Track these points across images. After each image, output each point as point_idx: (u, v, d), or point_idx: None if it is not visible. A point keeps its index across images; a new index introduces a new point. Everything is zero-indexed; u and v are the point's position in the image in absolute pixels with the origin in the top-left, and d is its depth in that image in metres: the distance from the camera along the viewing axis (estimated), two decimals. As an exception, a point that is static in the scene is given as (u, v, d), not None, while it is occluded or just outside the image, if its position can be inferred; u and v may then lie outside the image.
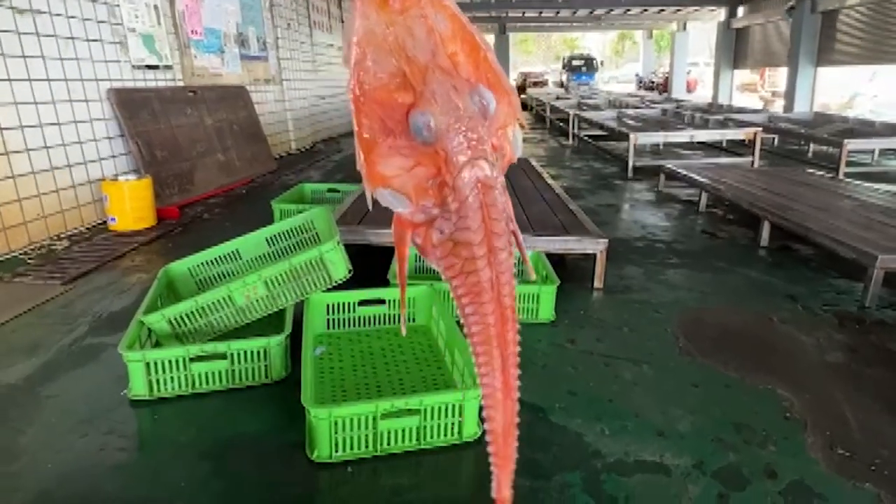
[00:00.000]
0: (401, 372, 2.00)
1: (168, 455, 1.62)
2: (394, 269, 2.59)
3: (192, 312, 2.02)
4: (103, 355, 2.18)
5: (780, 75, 15.58)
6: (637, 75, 27.76)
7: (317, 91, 8.94)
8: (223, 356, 1.88)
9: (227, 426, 1.74)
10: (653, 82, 24.06)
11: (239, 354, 1.89)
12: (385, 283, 2.47)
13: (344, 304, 2.25)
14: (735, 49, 14.92)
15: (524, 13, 16.85)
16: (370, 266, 2.61)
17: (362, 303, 2.26)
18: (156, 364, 1.84)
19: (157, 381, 1.86)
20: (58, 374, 2.05)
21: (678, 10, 16.33)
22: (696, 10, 16.50)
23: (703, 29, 21.40)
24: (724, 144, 7.51)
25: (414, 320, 2.30)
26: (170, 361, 1.85)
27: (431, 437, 1.63)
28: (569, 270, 2.98)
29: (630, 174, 5.93)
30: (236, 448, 1.64)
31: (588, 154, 7.69)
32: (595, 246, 2.75)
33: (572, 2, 15.31)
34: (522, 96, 16.40)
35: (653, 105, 10.54)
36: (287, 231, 2.65)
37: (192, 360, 1.85)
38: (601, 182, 5.69)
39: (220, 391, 1.90)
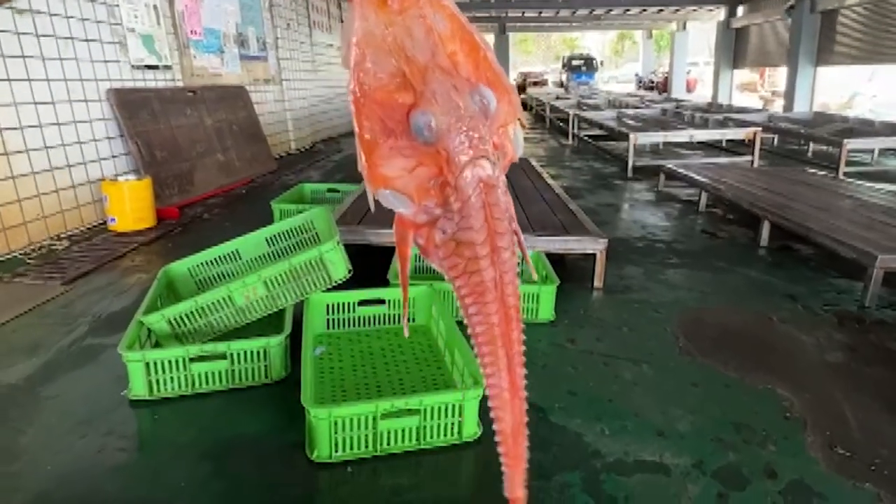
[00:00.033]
0: (401, 372, 2.00)
1: (168, 455, 1.62)
2: (394, 268, 2.58)
3: (191, 313, 2.02)
4: (103, 355, 2.18)
5: (780, 75, 15.61)
6: (637, 75, 27.76)
7: (316, 91, 8.94)
8: (223, 356, 1.88)
9: (226, 426, 1.74)
10: (652, 82, 24.06)
11: (239, 354, 1.89)
12: (385, 283, 2.47)
13: (344, 304, 2.25)
14: (735, 49, 14.93)
15: (524, 13, 16.84)
16: (370, 266, 2.61)
17: (362, 303, 2.26)
18: (155, 364, 1.84)
19: (157, 381, 1.86)
20: (58, 374, 2.05)
21: (678, 10, 16.32)
22: (695, 10, 16.49)
23: (703, 29, 21.39)
24: (724, 144, 7.51)
25: (414, 320, 2.30)
26: (169, 362, 1.85)
27: (431, 437, 1.63)
28: (568, 270, 2.98)
29: (630, 174, 5.93)
30: (236, 448, 1.64)
31: (588, 154, 7.69)
32: (595, 246, 2.75)
33: (572, 2, 15.31)
34: (522, 96, 16.42)
35: (652, 105, 10.54)
36: (287, 231, 2.65)
37: (191, 360, 1.85)
38: (601, 182, 5.69)
39: (220, 391, 1.90)
